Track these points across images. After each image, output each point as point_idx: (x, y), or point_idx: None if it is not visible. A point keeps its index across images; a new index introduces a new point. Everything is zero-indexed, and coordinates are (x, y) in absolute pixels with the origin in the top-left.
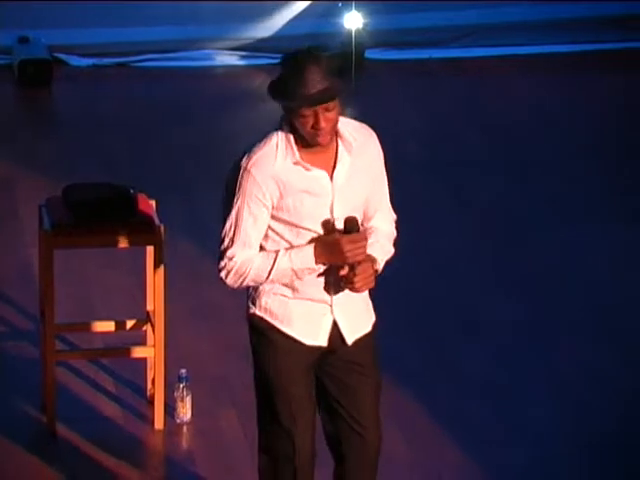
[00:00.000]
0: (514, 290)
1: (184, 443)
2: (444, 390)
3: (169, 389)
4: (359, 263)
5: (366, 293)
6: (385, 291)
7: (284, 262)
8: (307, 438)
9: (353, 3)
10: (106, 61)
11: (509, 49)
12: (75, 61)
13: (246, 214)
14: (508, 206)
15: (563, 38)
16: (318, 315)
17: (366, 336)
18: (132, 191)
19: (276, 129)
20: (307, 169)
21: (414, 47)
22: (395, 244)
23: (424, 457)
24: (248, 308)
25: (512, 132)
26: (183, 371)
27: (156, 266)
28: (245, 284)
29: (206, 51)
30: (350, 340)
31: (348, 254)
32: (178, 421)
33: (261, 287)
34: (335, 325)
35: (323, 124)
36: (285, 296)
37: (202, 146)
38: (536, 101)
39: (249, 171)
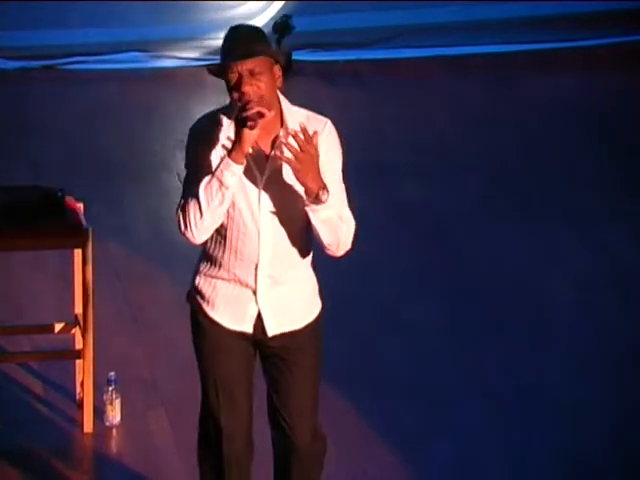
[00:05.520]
0: (438, 289)
1: (114, 446)
2: (369, 389)
3: (98, 392)
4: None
5: (312, 290)
6: None
7: (206, 179)
8: (235, 423)
9: (282, 3)
10: (34, 64)
11: (436, 50)
12: (2, 64)
13: (192, 175)
14: (434, 206)
15: (489, 39)
16: (243, 300)
17: (296, 333)
18: (60, 194)
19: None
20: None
21: (341, 48)
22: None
23: (349, 455)
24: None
25: (440, 132)
26: (112, 374)
27: (84, 269)
28: (191, 223)
29: (134, 53)
30: (271, 332)
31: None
32: (107, 424)
33: (198, 265)
34: (259, 314)
35: (246, 87)
36: (214, 277)
37: (130, 148)
38: (463, 101)
39: (191, 135)
